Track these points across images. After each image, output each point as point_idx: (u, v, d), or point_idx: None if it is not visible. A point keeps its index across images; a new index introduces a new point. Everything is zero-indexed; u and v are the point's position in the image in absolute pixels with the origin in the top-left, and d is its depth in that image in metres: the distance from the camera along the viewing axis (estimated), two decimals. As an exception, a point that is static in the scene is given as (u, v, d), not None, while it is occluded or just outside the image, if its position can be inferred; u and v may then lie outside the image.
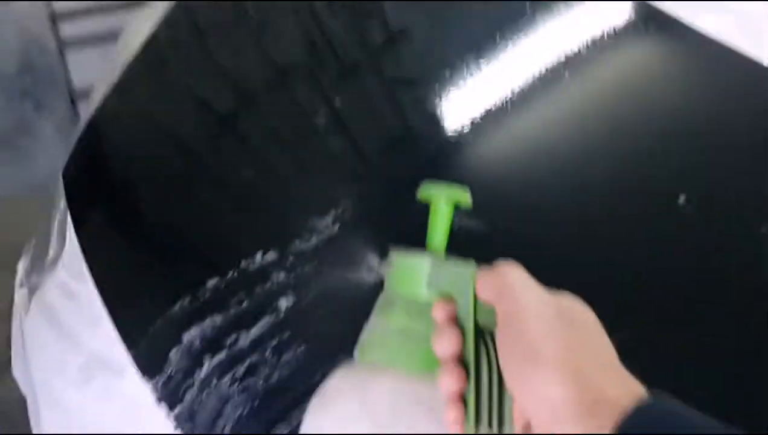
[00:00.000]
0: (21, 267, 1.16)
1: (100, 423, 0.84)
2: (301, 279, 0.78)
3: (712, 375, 0.66)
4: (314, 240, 0.81)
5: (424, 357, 0.50)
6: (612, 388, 0.40)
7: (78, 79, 2.21)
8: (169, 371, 0.75)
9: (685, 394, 0.64)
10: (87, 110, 2.07)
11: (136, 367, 0.78)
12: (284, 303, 0.77)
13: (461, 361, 0.48)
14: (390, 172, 0.86)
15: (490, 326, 0.47)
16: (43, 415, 0.93)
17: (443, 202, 0.54)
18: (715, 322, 0.70)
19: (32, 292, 1.09)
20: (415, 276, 0.52)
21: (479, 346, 0.47)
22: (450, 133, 0.84)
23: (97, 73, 2.00)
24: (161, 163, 0.93)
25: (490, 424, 0.45)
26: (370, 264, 0.76)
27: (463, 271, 0.49)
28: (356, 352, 0.54)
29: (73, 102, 2.23)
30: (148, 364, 0.77)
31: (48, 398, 0.93)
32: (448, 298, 0.50)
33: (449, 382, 0.47)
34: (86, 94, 2.14)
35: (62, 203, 1.05)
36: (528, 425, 0.45)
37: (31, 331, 1.02)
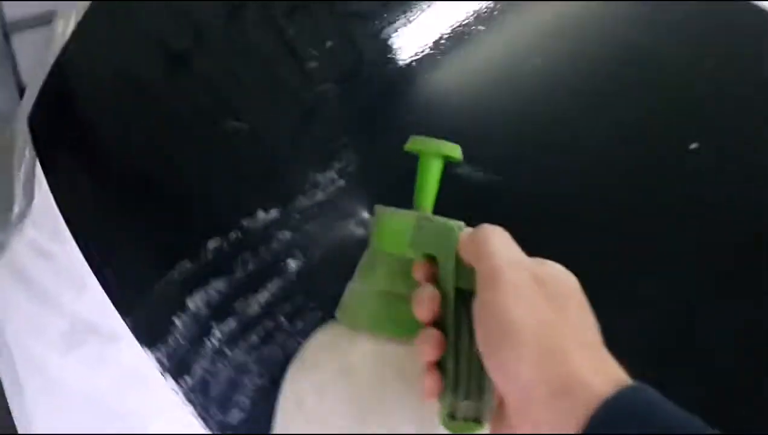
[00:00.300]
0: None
1: (93, 391, 0.79)
2: (308, 237, 0.74)
3: (723, 318, 0.66)
4: (319, 195, 0.76)
5: (406, 321, 0.46)
6: (588, 372, 0.37)
7: (11, 13, 2.05)
8: (175, 340, 0.70)
9: (692, 336, 0.64)
10: (20, 45, 1.94)
11: (134, 334, 0.73)
12: (293, 264, 0.72)
13: (442, 325, 0.44)
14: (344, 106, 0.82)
15: (471, 291, 0.43)
16: (24, 381, 0.87)
17: (433, 158, 0.51)
18: (725, 267, 0.69)
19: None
20: (399, 234, 0.49)
21: (460, 311, 0.44)
22: (405, 65, 0.80)
23: (29, 6, 1.87)
24: (145, 114, 0.86)
25: (468, 395, 0.42)
26: (362, 218, 0.72)
27: (446, 230, 0.46)
28: (337, 313, 0.52)
29: (6, 36, 2.08)
30: (149, 332, 0.73)
31: (28, 364, 0.87)
32: (431, 259, 0.46)
33: (426, 348, 0.43)
34: (19, 27, 1.99)
35: (27, 154, 0.97)
36: (502, 401, 0.41)
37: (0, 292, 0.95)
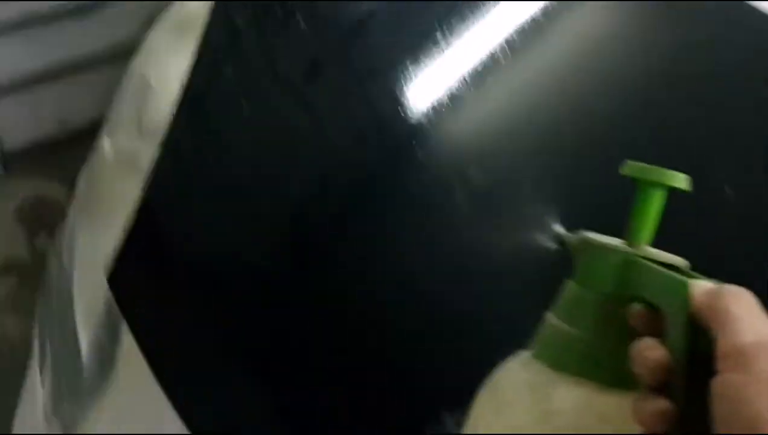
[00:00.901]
0: (42, 391, 0.90)
1: None
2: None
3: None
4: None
5: (618, 370, 0.43)
6: None
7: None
8: None
9: None
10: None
11: None
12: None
13: (664, 388, 0.40)
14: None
15: (706, 352, 0.38)
16: None
17: (653, 187, 0.47)
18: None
19: (68, 428, 0.83)
20: (611, 273, 0.46)
21: (690, 377, 0.39)
22: (425, 118, 0.72)
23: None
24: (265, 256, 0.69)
25: None
26: (555, 231, 0.63)
27: (676, 279, 0.41)
28: (536, 350, 0.48)
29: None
30: None
31: None
32: (654, 308, 0.43)
33: (648, 415, 0.39)
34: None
35: (103, 313, 0.79)
36: None
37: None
